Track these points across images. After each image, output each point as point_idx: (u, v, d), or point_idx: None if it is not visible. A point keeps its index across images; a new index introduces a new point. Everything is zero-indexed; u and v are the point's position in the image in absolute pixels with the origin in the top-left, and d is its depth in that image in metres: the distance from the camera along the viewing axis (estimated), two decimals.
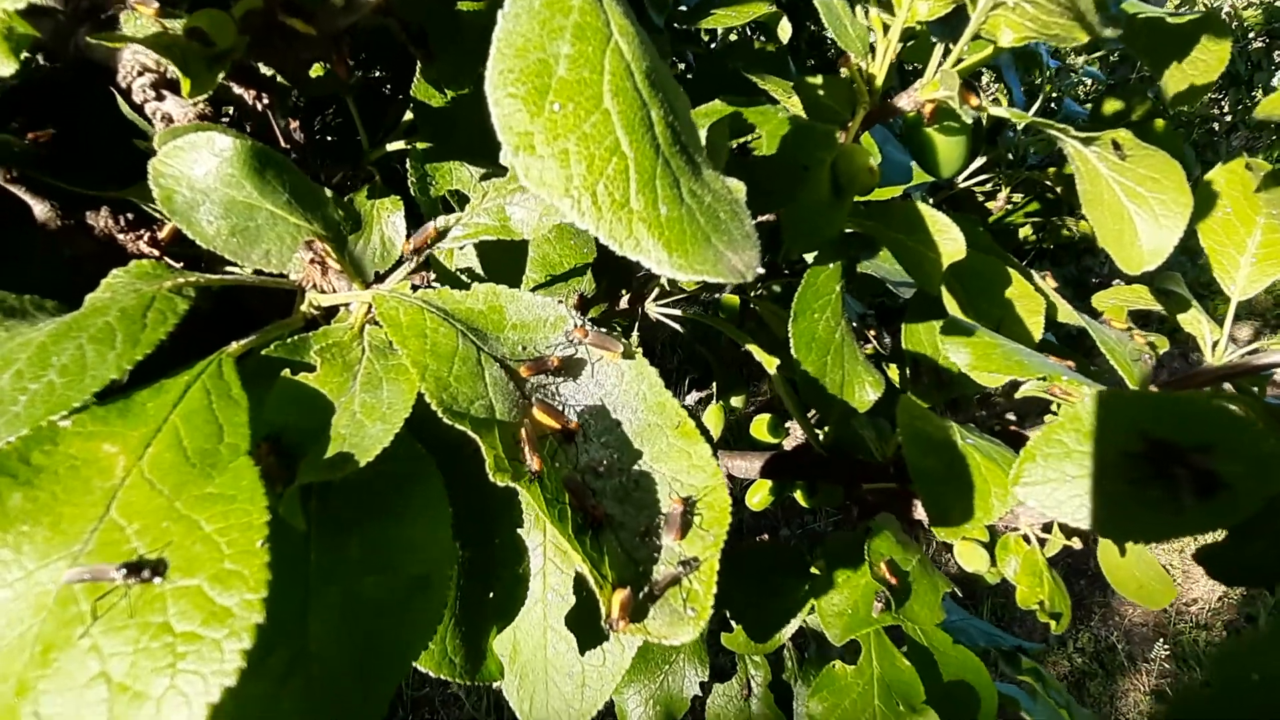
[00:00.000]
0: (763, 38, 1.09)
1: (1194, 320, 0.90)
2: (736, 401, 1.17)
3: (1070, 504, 0.49)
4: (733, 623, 0.97)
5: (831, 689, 0.83)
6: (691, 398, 1.17)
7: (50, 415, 0.36)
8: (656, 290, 0.82)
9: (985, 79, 2.84)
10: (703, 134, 0.51)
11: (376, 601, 0.42)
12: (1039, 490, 0.50)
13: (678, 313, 0.82)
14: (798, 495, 1.12)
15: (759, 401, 1.31)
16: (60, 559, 0.33)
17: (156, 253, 0.65)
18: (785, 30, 0.87)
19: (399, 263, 0.53)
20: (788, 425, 1.11)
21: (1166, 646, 3.09)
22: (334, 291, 0.48)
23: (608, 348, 0.44)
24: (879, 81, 0.64)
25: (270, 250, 0.43)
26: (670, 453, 0.44)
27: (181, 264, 0.67)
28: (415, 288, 0.45)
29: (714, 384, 1.12)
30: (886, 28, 0.64)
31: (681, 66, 1.23)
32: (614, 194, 0.33)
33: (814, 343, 0.61)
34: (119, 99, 0.67)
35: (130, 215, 0.65)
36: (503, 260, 0.56)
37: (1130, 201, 0.60)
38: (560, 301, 0.45)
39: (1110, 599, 3.26)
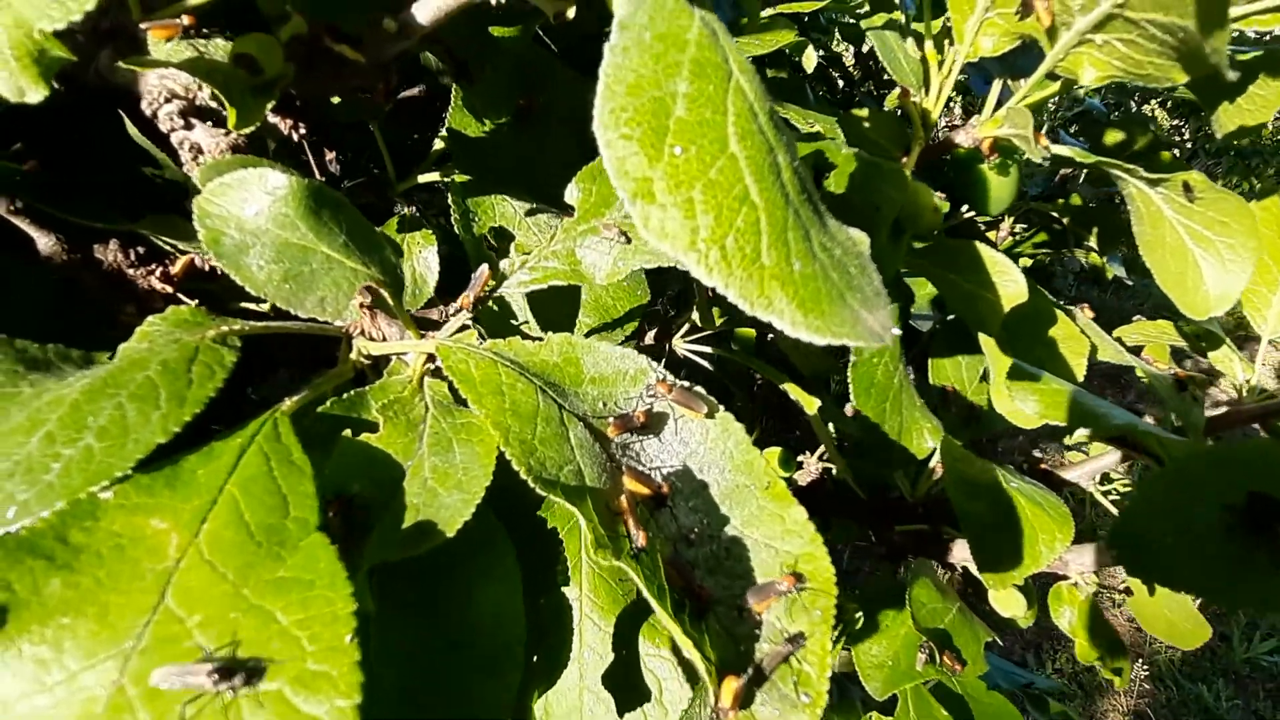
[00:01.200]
0: (770, 66, 1.07)
1: (1226, 359, 0.89)
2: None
3: (1166, 568, 0.46)
4: None
5: None
6: None
7: (89, 486, 0.32)
8: (686, 326, 0.78)
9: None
10: None
11: (441, 686, 0.38)
12: (1132, 554, 0.47)
13: (707, 350, 0.79)
14: None
15: (764, 432, 1.28)
16: (109, 658, 0.28)
17: (170, 289, 0.61)
18: (811, 60, 0.85)
19: (435, 306, 0.49)
20: (800, 459, 1.08)
21: (1146, 667, 3.10)
22: (383, 339, 0.44)
23: (692, 406, 0.40)
24: (934, 116, 0.62)
25: (326, 297, 0.39)
26: (762, 516, 0.40)
27: (196, 301, 0.63)
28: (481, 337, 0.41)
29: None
30: (940, 62, 0.61)
31: None
32: (744, 249, 0.29)
33: (873, 388, 0.58)
34: (127, 124, 0.63)
35: (141, 249, 0.61)
36: (554, 305, 0.53)
37: (1196, 245, 0.58)
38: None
39: None
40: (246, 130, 0.40)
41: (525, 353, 0.40)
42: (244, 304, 0.63)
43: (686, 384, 0.41)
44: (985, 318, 0.61)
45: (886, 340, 0.31)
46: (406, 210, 0.61)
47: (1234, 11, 0.51)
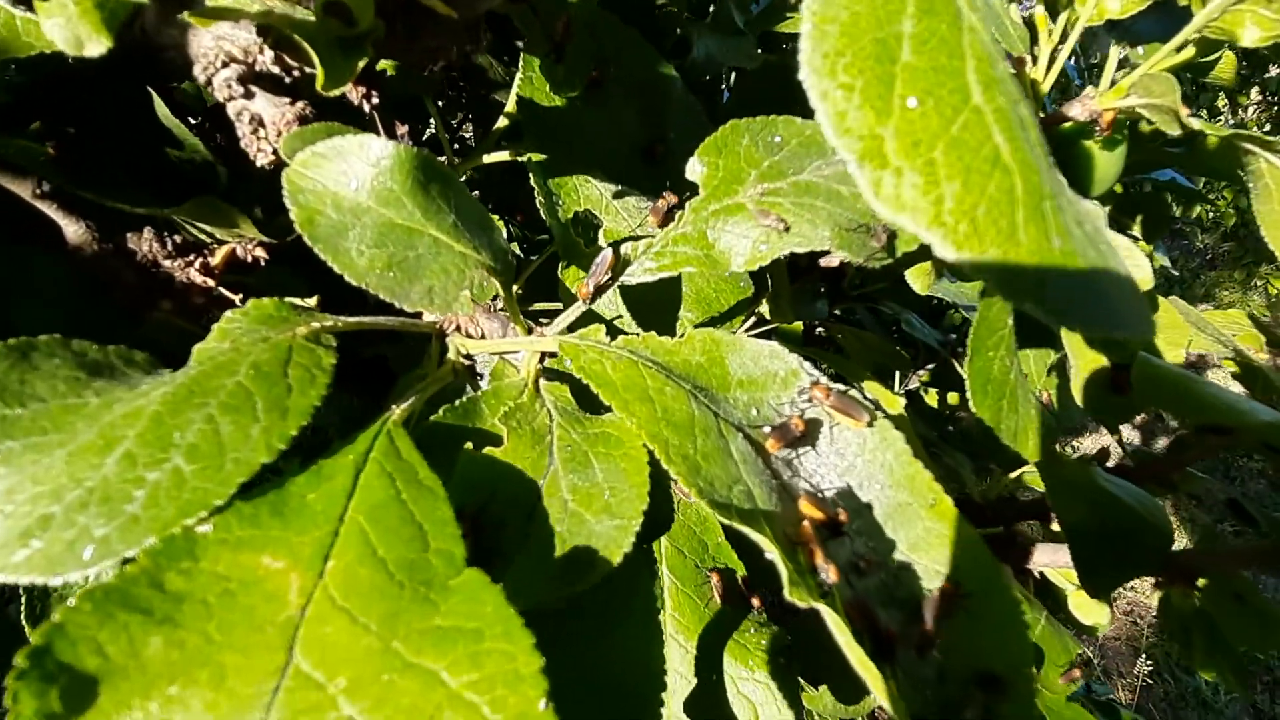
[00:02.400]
0: None
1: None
2: None
3: None
4: (811, 684, 0.88)
5: None
6: None
7: (184, 518, 0.26)
8: (752, 319, 0.73)
9: None
10: None
11: None
12: None
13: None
14: None
15: None
16: None
17: (210, 282, 0.55)
18: None
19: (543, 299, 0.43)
20: None
21: (1149, 663, 3.11)
22: (481, 335, 0.39)
23: (852, 413, 0.35)
24: (1045, 88, 0.57)
25: (434, 286, 0.34)
26: (929, 539, 0.35)
27: (240, 296, 0.57)
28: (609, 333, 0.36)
29: None
30: (1051, 31, 0.56)
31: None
32: (998, 221, 0.24)
33: (990, 384, 0.53)
34: (157, 102, 0.57)
35: (177, 238, 0.55)
36: (651, 298, 0.47)
37: None
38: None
39: None
40: (334, 92, 0.34)
41: (665, 351, 0.35)
42: (289, 300, 0.57)
43: (843, 388, 0.36)
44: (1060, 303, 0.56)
45: (1151, 335, 0.26)
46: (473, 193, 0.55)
47: None
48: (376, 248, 0.33)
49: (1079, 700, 1.04)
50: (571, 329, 0.41)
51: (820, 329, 0.98)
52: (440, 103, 0.94)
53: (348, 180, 0.32)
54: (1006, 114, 0.25)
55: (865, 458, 0.36)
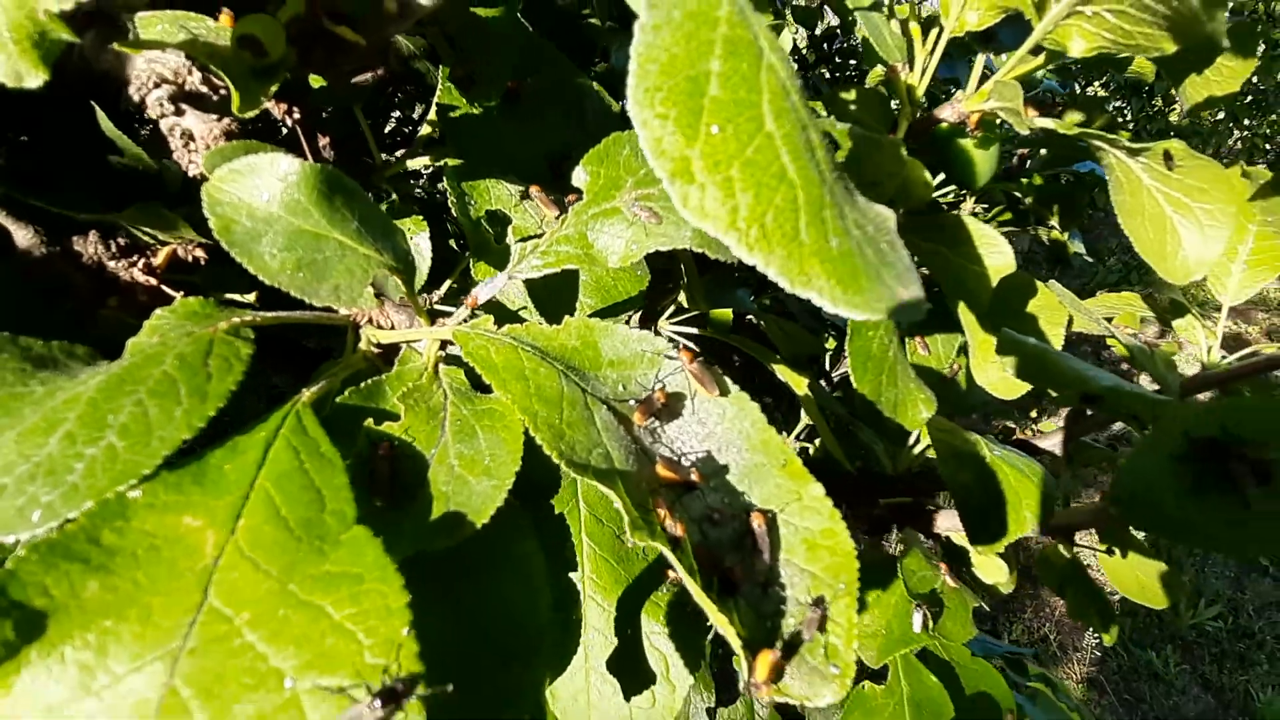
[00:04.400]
0: None
1: (1190, 326, 0.92)
2: None
3: (1161, 522, 0.48)
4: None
5: (863, 710, 0.81)
6: None
7: (116, 486, 0.31)
8: (672, 308, 0.78)
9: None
10: None
11: (476, 678, 0.38)
12: (1129, 510, 0.49)
13: (693, 330, 0.79)
14: None
15: None
16: (156, 659, 0.28)
17: (153, 281, 0.59)
18: (787, 42, 0.85)
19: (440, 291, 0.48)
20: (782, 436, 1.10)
21: (1096, 636, 3.21)
22: (392, 327, 0.44)
23: (705, 384, 0.40)
24: (919, 93, 0.63)
25: (340, 285, 0.39)
26: (780, 494, 0.41)
27: (183, 292, 0.61)
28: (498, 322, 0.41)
29: None
30: (923, 40, 0.62)
31: None
32: (783, 226, 0.30)
33: (870, 361, 0.59)
34: (100, 115, 0.61)
35: (121, 240, 0.59)
36: (552, 289, 0.53)
37: (1175, 212, 0.60)
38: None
39: (1040, 592, 3.37)
40: (249, 114, 0.39)
41: (543, 337, 0.40)
42: (228, 295, 0.62)
43: (703, 360, 0.41)
44: (974, 290, 0.62)
45: (920, 314, 0.31)
46: (395, 196, 0.60)
47: None
48: (287, 251, 0.38)
49: (994, 657, 1.11)
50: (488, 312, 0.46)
51: (750, 317, 1.04)
52: (396, 99, 0.99)
53: (260, 193, 0.37)
54: (794, 138, 0.30)
55: (725, 425, 0.41)
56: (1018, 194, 1.35)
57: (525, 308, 0.54)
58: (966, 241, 0.62)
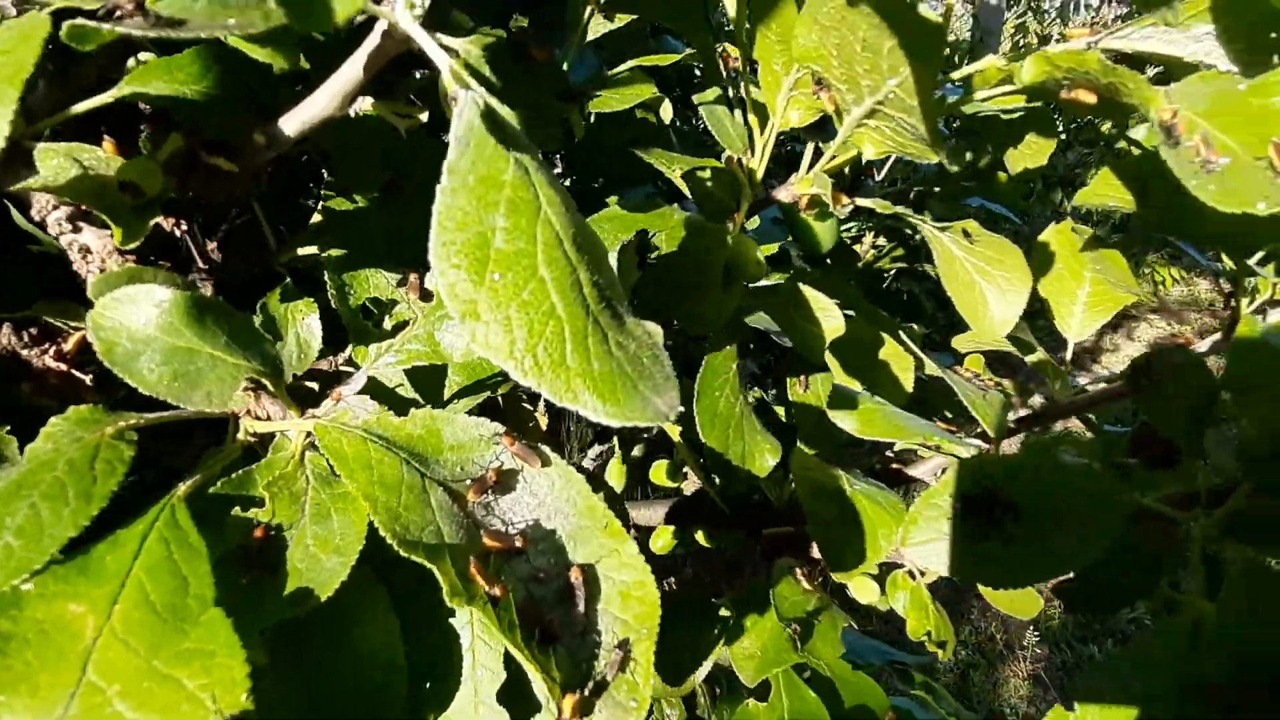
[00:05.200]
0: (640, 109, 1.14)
1: (1040, 361, 1.01)
2: (637, 450, 1.23)
3: (951, 558, 0.56)
4: None
5: None
6: (593, 451, 1.21)
7: (11, 580, 0.37)
8: None
9: None
10: (613, 256, 0.56)
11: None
12: (923, 550, 0.57)
13: None
14: (699, 536, 1.18)
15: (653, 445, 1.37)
16: None
17: (64, 366, 0.65)
18: (667, 112, 0.93)
19: (327, 375, 0.55)
20: (685, 470, 1.18)
21: (1037, 633, 3.34)
22: (269, 418, 0.50)
23: (528, 460, 0.48)
24: (759, 175, 0.71)
25: (211, 391, 0.45)
26: (602, 552, 0.48)
27: (90, 376, 0.67)
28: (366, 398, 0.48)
29: (614, 438, 1.17)
30: (762, 130, 0.70)
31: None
32: (552, 354, 0.37)
33: (716, 418, 0.67)
34: (14, 213, 0.67)
35: (34, 330, 0.65)
36: (425, 370, 0.60)
37: (980, 278, 0.69)
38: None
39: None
40: (131, 245, 0.46)
41: (392, 428, 0.47)
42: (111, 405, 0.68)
43: (525, 441, 0.48)
44: (813, 347, 0.71)
45: (671, 417, 0.39)
46: (289, 279, 0.67)
47: (980, 94, 0.61)
48: (164, 365, 0.44)
49: (888, 666, 1.20)
50: (367, 391, 0.53)
51: None
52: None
53: (138, 318, 0.44)
54: (563, 281, 0.38)
55: (554, 494, 0.49)
56: (910, 231, 1.45)
57: (401, 384, 0.61)
58: (805, 306, 0.70)
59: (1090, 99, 0.50)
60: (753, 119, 0.70)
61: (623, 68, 0.88)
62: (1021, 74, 0.52)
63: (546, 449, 0.49)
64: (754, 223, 1.21)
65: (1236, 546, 0.56)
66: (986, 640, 3.30)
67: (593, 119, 1.06)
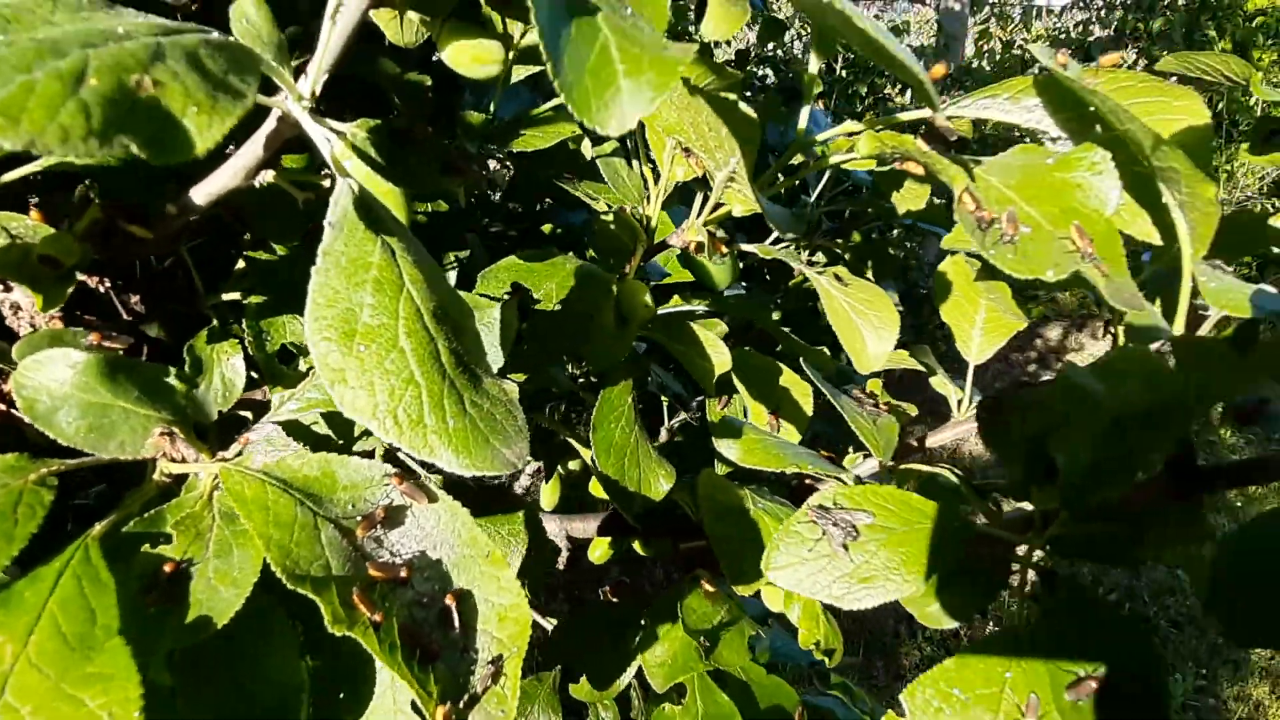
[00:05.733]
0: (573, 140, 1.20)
1: (942, 383, 1.08)
2: (574, 465, 1.29)
3: (807, 580, 0.63)
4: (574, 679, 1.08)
5: None
6: (530, 469, 1.27)
7: None
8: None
9: None
10: (493, 312, 0.62)
11: None
12: (785, 574, 0.63)
13: None
14: (636, 546, 1.24)
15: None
16: None
17: (3, 407, 0.70)
18: (587, 150, 0.99)
19: (241, 422, 0.61)
20: None
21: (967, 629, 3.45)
22: (183, 460, 0.56)
23: (415, 497, 0.54)
24: (654, 222, 0.77)
25: (125, 441, 0.51)
26: (482, 579, 0.54)
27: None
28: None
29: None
30: (657, 181, 0.77)
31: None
32: (411, 415, 0.43)
33: (612, 448, 0.73)
34: None
35: None
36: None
37: (857, 317, 0.75)
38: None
39: None
40: (50, 311, 0.51)
41: (290, 470, 0.53)
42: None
43: (414, 478, 0.54)
44: (703, 379, 0.77)
45: (519, 466, 0.45)
46: (215, 321, 0.72)
47: (835, 158, 0.67)
48: (81, 419, 0.50)
49: (807, 667, 1.26)
50: (288, 429, 0.58)
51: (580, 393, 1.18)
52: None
53: (56, 377, 0.49)
54: (421, 350, 0.44)
55: (440, 527, 0.54)
56: (839, 251, 1.52)
57: (316, 422, 0.67)
58: (696, 343, 0.76)
59: (918, 170, 0.57)
60: (647, 171, 0.76)
61: (545, 107, 0.94)
62: (859, 148, 0.58)
63: (433, 487, 0.54)
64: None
65: (1060, 563, 0.63)
66: (926, 641, 3.40)
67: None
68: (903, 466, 0.79)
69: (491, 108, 0.97)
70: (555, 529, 1.19)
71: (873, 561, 0.61)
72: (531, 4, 0.32)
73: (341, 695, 0.66)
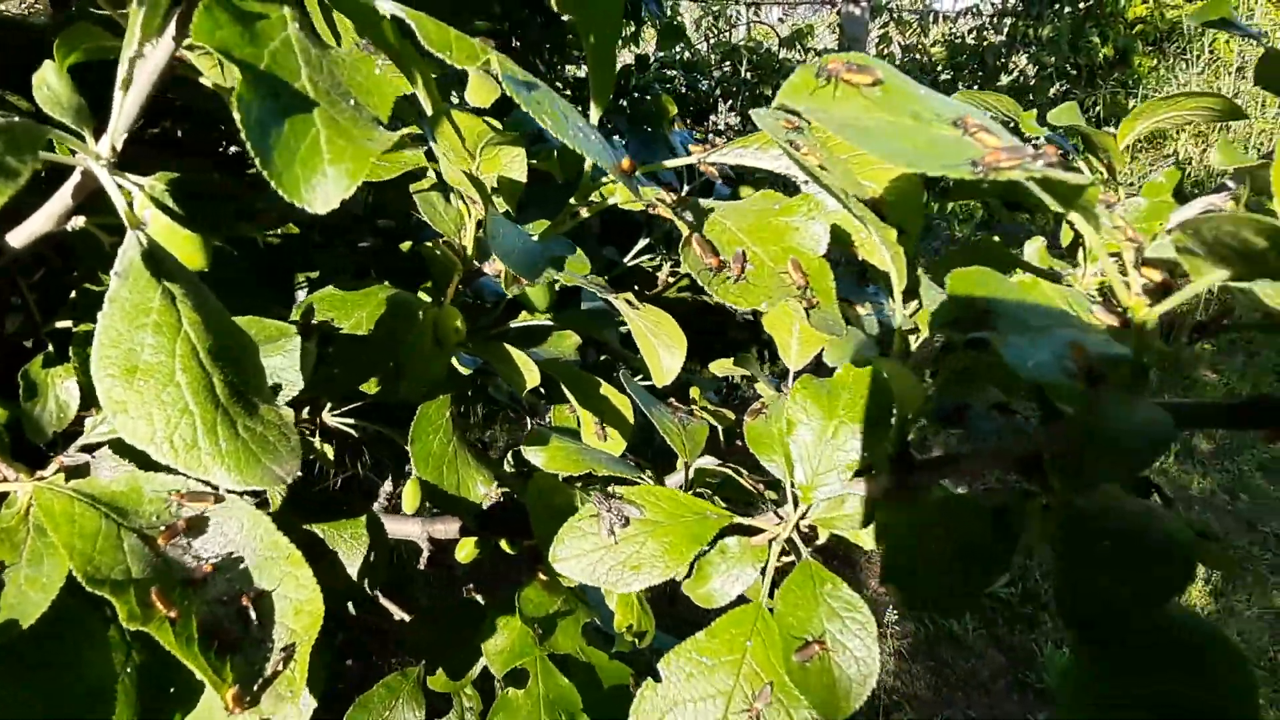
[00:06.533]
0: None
1: (764, 388, 1.19)
2: None
3: (586, 569, 0.72)
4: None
5: (506, 711, 1.03)
6: (388, 486, 1.34)
7: None
8: (330, 403, 0.98)
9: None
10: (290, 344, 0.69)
11: None
12: (569, 564, 0.72)
13: (351, 420, 1.00)
14: (503, 544, 1.32)
15: None
16: None
17: None
18: (431, 179, 1.06)
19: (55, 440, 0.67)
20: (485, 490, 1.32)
21: (895, 612, 3.61)
22: (4, 479, 0.62)
23: (205, 501, 0.61)
24: (470, 251, 0.85)
25: None
26: (282, 578, 0.61)
27: None
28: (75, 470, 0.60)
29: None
30: (470, 215, 0.85)
31: None
32: (185, 440, 0.50)
33: (430, 458, 0.81)
34: None
35: None
36: None
37: (653, 336, 0.84)
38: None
39: (858, 574, 3.73)
40: None
41: (99, 487, 0.59)
42: None
43: (199, 493, 0.61)
44: (518, 390, 0.86)
45: (288, 480, 0.53)
46: (50, 346, 0.78)
47: (613, 200, 0.77)
48: None
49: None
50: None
51: None
52: None
53: None
54: (195, 384, 0.51)
55: (243, 533, 0.62)
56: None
57: None
58: (509, 360, 0.85)
59: (668, 214, 0.66)
60: (462, 206, 0.84)
61: (395, 135, 1.01)
62: (618, 194, 0.67)
63: (238, 498, 0.62)
64: None
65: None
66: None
67: None
68: (698, 467, 0.89)
69: None
70: (418, 531, 1.26)
71: (641, 551, 0.71)
72: (239, 112, 0.40)
73: (172, 689, 0.72)
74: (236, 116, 0.40)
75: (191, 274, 0.55)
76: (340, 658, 2.63)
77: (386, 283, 0.80)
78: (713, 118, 6.42)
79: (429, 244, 0.88)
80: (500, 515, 1.30)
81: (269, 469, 0.52)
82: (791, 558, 0.75)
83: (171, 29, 0.50)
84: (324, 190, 0.41)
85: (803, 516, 0.77)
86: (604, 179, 0.77)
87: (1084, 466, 0.45)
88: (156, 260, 0.53)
